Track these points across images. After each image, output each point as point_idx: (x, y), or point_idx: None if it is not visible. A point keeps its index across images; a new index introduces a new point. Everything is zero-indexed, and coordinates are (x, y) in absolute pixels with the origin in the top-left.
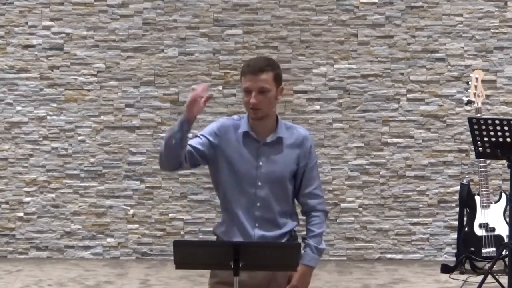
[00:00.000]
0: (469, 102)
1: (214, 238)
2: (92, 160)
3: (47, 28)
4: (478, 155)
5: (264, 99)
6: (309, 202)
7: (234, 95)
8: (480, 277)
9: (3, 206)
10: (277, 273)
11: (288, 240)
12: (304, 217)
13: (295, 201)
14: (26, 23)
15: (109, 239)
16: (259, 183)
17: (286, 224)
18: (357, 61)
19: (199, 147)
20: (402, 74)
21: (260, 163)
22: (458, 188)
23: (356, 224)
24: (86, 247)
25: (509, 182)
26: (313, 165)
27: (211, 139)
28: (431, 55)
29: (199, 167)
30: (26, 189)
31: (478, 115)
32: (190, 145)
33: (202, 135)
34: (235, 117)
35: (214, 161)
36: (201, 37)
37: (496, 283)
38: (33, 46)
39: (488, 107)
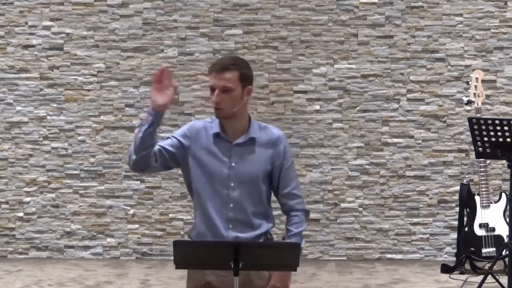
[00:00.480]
0: (469, 102)
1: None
2: (92, 160)
3: (47, 28)
4: (478, 155)
5: (226, 98)
6: (288, 202)
7: None
8: (480, 277)
9: (3, 206)
10: (252, 276)
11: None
12: (283, 218)
13: (271, 202)
14: (26, 23)
15: (109, 239)
16: (232, 184)
17: (261, 226)
18: (357, 61)
19: (169, 148)
20: (402, 74)
21: (233, 164)
22: (458, 188)
23: (356, 224)
24: (86, 247)
25: (509, 182)
26: (289, 166)
27: (181, 140)
28: (431, 55)
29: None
30: (26, 189)
31: (478, 115)
32: (161, 146)
33: (172, 136)
34: (208, 119)
35: (185, 163)
36: (201, 37)
37: (496, 283)
38: (33, 46)
39: (488, 107)
